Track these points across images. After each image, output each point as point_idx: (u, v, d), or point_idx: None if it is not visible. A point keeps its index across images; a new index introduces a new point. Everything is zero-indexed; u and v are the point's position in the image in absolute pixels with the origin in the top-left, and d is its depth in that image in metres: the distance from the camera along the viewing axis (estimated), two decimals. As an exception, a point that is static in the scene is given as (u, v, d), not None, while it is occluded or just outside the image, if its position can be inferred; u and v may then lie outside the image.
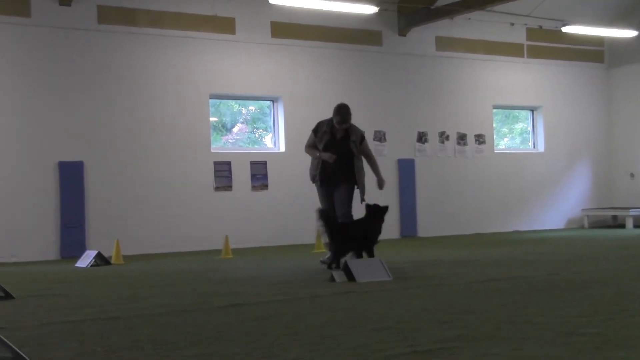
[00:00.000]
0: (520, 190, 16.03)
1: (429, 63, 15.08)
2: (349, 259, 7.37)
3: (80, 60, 11.96)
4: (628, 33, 15.82)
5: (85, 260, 9.87)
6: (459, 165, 15.32)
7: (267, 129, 14.06)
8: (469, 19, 14.89)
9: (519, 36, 16.02)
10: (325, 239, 8.82)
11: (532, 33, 16.10)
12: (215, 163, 12.92)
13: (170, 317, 5.12)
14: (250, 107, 14.15)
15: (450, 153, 15.24)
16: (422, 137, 14.95)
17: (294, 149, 12.95)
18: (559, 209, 16.51)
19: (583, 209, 16.74)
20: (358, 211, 8.52)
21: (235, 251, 11.35)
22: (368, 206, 8.24)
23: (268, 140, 14.01)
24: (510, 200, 15.88)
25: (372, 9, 13.04)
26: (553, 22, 15.63)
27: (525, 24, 15.78)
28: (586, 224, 16.54)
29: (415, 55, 14.91)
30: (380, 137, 14.45)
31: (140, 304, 5.89)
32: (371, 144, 14.22)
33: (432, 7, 14.24)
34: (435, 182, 14.98)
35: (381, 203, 8.38)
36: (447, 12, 14.06)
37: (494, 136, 15.94)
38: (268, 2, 12.22)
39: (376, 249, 8.05)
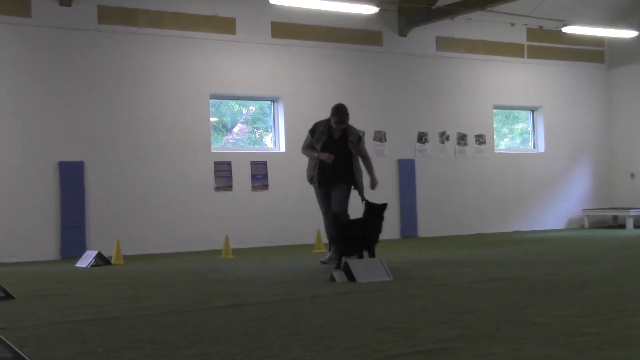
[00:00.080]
0: (520, 190, 16.03)
1: (429, 63, 15.09)
2: (349, 259, 7.36)
3: (80, 61, 11.97)
4: (628, 33, 15.82)
5: (86, 260, 9.87)
6: (459, 166, 15.32)
7: (267, 129, 14.07)
8: (470, 19, 14.90)
9: (519, 36, 16.03)
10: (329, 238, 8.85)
11: (532, 33, 16.11)
12: (216, 163, 12.93)
13: (170, 317, 5.12)
14: (251, 107, 14.15)
15: (450, 153, 15.24)
16: (422, 137, 14.95)
17: (294, 149, 12.92)
18: (559, 209, 16.51)
19: (583, 209, 16.74)
20: (358, 211, 8.50)
21: (236, 251, 11.35)
22: (367, 204, 8.21)
23: (268, 141, 14.02)
24: (511, 200, 15.88)
25: (372, 9, 13.05)
26: (553, 23, 15.63)
27: (526, 24, 15.79)
28: (586, 224, 16.54)
29: (415, 55, 14.91)
30: (380, 137, 14.45)
31: (141, 304, 5.89)
32: (371, 144, 14.30)
33: (433, 7, 14.24)
34: (436, 182, 14.99)
35: (376, 201, 8.33)
36: (448, 12, 14.06)
37: (494, 136, 15.95)
38: (268, 2, 12.22)
39: (376, 249, 8.03)
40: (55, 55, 11.79)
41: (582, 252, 10.09)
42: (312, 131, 8.95)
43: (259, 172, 13.27)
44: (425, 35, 14.97)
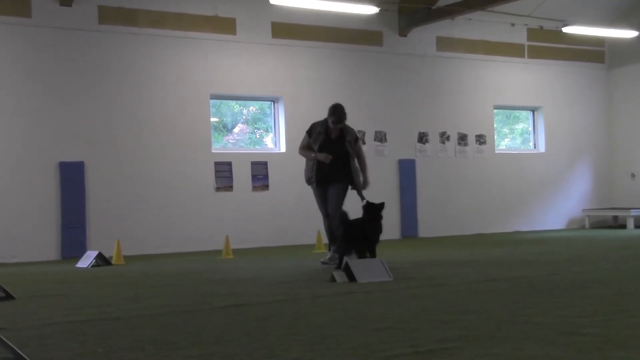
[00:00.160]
0: (520, 190, 16.03)
1: (429, 63, 15.09)
2: (350, 259, 7.36)
3: (81, 61, 11.97)
4: (628, 33, 15.83)
5: (86, 260, 9.87)
6: (460, 166, 15.33)
7: (267, 130, 14.07)
8: (470, 19, 14.90)
9: (519, 36, 16.03)
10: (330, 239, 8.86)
11: (532, 33, 16.11)
12: (216, 163, 12.93)
13: (171, 318, 5.12)
14: (251, 108, 14.16)
15: (450, 153, 15.24)
16: (422, 138, 14.95)
17: (294, 149, 12.84)
18: (559, 210, 16.51)
19: (584, 210, 16.74)
20: (357, 211, 8.49)
21: (236, 251, 11.36)
22: (368, 203, 8.19)
23: (269, 141, 14.02)
24: (511, 200, 15.89)
25: (372, 9, 13.05)
26: (554, 23, 15.64)
27: (526, 24, 15.79)
28: (587, 225, 16.54)
29: (415, 55, 14.92)
30: (380, 137, 14.46)
31: (141, 304, 5.89)
32: (372, 144, 14.32)
33: (433, 8, 14.24)
34: (436, 183, 14.99)
35: (379, 201, 8.30)
36: (448, 12, 14.06)
37: (495, 136, 15.95)
38: (269, 2, 12.22)
39: (377, 249, 8.03)
40: (55, 56, 11.79)
41: (583, 253, 10.09)
42: (310, 132, 8.97)
43: (260, 173, 13.28)
44: (425, 35, 14.97)
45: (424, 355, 3.63)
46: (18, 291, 6.55)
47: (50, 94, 11.74)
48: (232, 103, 13.94)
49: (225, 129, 13.92)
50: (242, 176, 13.12)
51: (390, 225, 13.65)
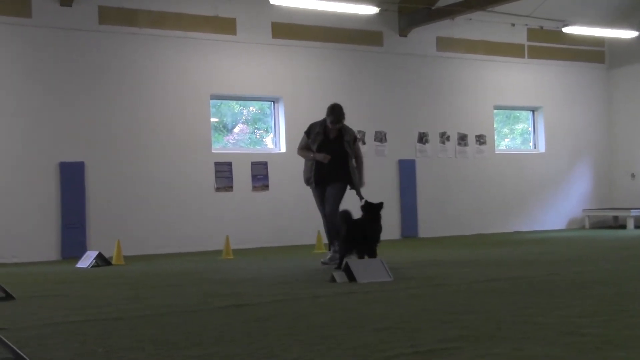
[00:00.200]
0: (521, 190, 16.03)
1: (429, 63, 15.09)
2: (350, 259, 7.35)
3: (81, 61, 11.97)
4: (628, 33, 15.83)
5: (86, 260, 9.87)
6: (460, 166, 15.33)
7: (267, 130, 14.07)
8: (470, 19, 14.90)
9: (519, 36, 16.03)
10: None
11: (532, 33, 16.11)
12: (216, 163, 12.93)
13: (171, 318, 5.12)
14: (251, 108, 14.16)
15: (451, 153, 15.24)
16: (422, 138, 14.95)
17: (294, 149, 12.86)
18: (559, 210, 16.51)
19: (584, 210, 16.74)
20: (356, 211, 8.49)
21: (236, 252, 11.36)
22: (367, 203, 8.17)
23: (269, 141, 14.02)
24: (511, 200, 15.89)
25: (372, 10, 13.06)
26: (554, 23, 15.64)
27: (526, 25, 15.79)
28: (587, 225, 16.54)
29: (416, 55, 14.92)
30: (381, 137, 14.46)
31: (141, 304, 5.89)
32: (372, 144, 14.33)
33: (433, 8, 14.25)
34: (436, 183, 14.99)
35: (379, 202, 8.29)
36: (448, 12, 14.06)
37: (495, 137, 15.95)
38: (269, 2, 12.23)
39: (377, 250, 8.02)
40: (55, 56, 11.80)
41: (583, 253, 10.09)
42: (308, 132, 8.98)
43: (260, 173, 13.28)
44: (425, 35, 14.98)
45: (424, 355, 3.62)
46: (18, 291, 6.55)
47: (50, 94, 11.75)
48: (232, 103, 13.95)
49: (226, 129, 13.92)
50: (242, 176, 13.13)
51: (391, 226, 13.66)
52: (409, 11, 14.40)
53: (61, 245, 11.66)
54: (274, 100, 13.75)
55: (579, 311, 4.83)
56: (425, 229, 14.74)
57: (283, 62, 13.63)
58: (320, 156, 8.73)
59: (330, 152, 8.74)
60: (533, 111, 16.63)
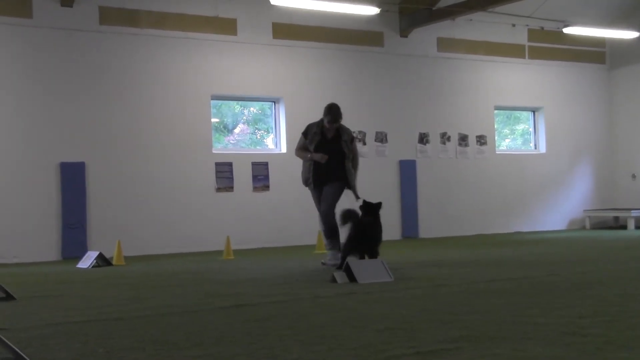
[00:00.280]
0: (521, 191, 16.03)
1: (430, 64, 15.09)
2: (350, 260, 7.35)
3: (81, 61, 11.98)
4: (629, 34, 15.82)
5: (87, 261, 9.88)
6: (461, 166, 15.33)
7: (268, 130, 14.07)
8: (471, 20, 14.90)
9: (520, 37, 16.03)
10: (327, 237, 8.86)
11: (533, 34, 16.11)
12: (217, 164, 12.93)
13: (172, 318, 5.12)
14: (252, 108, 14.16)
15: (451, 154, 15.24)
16: (423, 138, 14.95)
17: (295, 150, 12.95)
18: (560, 210, 16.51)
19: (584, 210, 16.74)
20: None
21: (237, 252, 11.36)
22: (365, 204, 8.16)
23: (269, 141, 14.02)
24: (512, 201, 15.89)
25: (373, 10, 13.06)
26: (554, 23, 15.64)
27: (527, 25, 15.79)
28: (588, 225, 16.54)
29: (416, 56, 14.92)
30: (381, 138, 14.46)
31: (142, 304, 5.89)
32: (372, 144, 14.34)
33: (434, 8, 14.25)
34: (437, 183, 14.99)
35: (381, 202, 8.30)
36: (449, 13, 14.07)
37: (496, 137, 15.95)
38: (269, 3, 12.23)
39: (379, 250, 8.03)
40: (56, 56, 11.80)
41: (584, 253, 10.08)
42: (305, 133, 8.99)
43: (260, 173, 13.28)
44: (426, 36, 14.98)
45: (425, 355, 3.62)
46: (19, 292, 6.55)
47: (51, 94, 11.75)
48: (233, 103, 13.95)
49: (226, 129, 13.92)
50: (242, 177, 13.13)
51: (391, 226, 13.67)
52: (409, 12, 14.41)
53: (62, 246, 11.67)
54: (275, 101, 13.75)
55: (579, 312, 4.83)
56: (426, 230, 14.74)
57: (284, 62, 13.63)
58: (318, 156, 8.74)
59: (328, 152, 8.74)
60: (534, 112, 16.63)
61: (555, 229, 16.27)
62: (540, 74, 16.44)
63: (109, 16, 12.19)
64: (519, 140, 16.94)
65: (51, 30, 11.76)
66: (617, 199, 17.15)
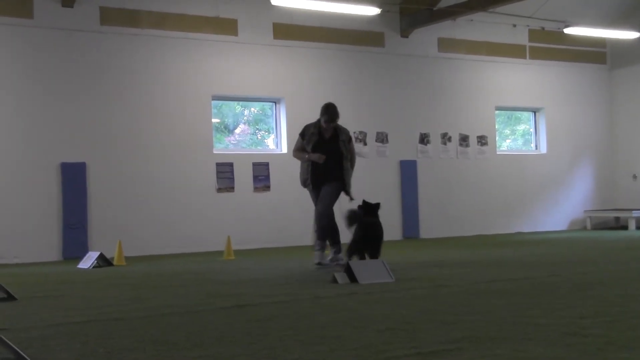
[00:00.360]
0: (522, 191, 16.02)
1: (431, 64, 15.09)
2: (351, 260, 7.36)
3: (82, 61, 11.98)
4: (630, 34, 15.82)
5: (88, 261, 9.87)
6: (461, 167, 15.32)
7: (269, 130, 14.07)
8: (471, 20, 14.90)
9: (521, 37, 16.03)
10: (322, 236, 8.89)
11: (534, 34, 16.11)
12: (218, 164, 12.93)
13: (172, 318, 5.12)
14: (252, 108, 14.16)
15: (452, 154, 15.23)
16: (424, 139, 14.95)
17: (292, 151, 12.95)
18: (561, 211, 16.50)
19: (585, 211, 16.73)
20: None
21: (238, 252, 11.36)
22: (365, 203, 8.16)
23: (270, 142, 14.02)
24: (513, 201, 15.88)
25: (374, 10, 13.06)
26: (555, 24, 15.64)
27: (528, 26, 15.79)
28: (589, 226, 16.53)
29: (417, 56, 14.92)
30: (382, 138, 14.46)
31: (143, 305, 5.89)
32: (373, 145, 14.34)
33: (435, 9, 14.24)
34: (438, 184, 14.98)
35: (380, 202, 8.32)
36: (450, 13, 14.06)
37: (496, 137, 15.94)
38: (270, 3, 12.23)
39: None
40: (57, 56, 11.80)
41: (585, 254, 10.08)
42: (302, 134, 8.99)
43: (261, 174, 13.28)
44: (427, 36, 14.97)
45: (426, 356, 3.62)
46: (20, 292, 6.55)
47: (52, 94, 11.75)
48: (234, 104, 13.94)
49: (227, 129, 13.92)
50: (243, 177, 13.13)
51: (392, 226, 13.67)
52: (410, 12, 14.40)
53: (62, 246, 11.67)
54: (276, 101, 13.75)
55: (580, 312, 4.83)
56: (427, 230, 14.74)
57: (284, 62, 13.63)
58: (315, 156, 8.73)
59: (326, 152, 8.74)
60: (534, 112, 16.63)
61: (556, 229, 16.26)
62: (541, 74, 16.43)
63: (110, 16, 12.19)
64: (519, 141, 16.94)
65: (52, 30, 11.77)
66: (617, 199, 17.15)
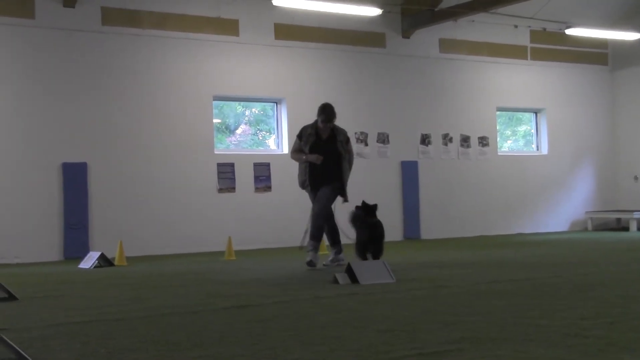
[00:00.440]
0: (523, 192, 16.02)
1: (432, 65, 15.08)
2: (352, 261, 7.37)
3: (84, 62, 11.98)
4: (632, 35, 15.80)
5: (89, 261, 9.88)
6: (462, 168, 15.31)
7: (270, 131, 14.07)
8: (473, 21, 14.89)
9: (522, 38, 16.02)
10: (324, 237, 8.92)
11: (535, 35, 16.10)
12: (219, 165, 12.93)
13: (173, 318, 5.12)
14: (254, 109, 14.16)
15: (453, 155, 15.23)
16: (425, 139, 14.94)
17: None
18: (562, 212, 16.49)
19: (587, 212, 16.72)
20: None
21: (239, 253, 11.36)
22: (365, 204, 8.19)
23: (271, 142, 14.02)
24: (514, 202, 15.87)
25: (375, 11, 13.07)
26: (556, 25, 15.63)
27: (529, 26, 15.78)
28: (590, 227, 16.52)
29: (418, 57, 14.91)
30: (383, 139, 14.45)
31: (144, 305, 5.89)
32: (374, 145, 14.34)
33: (436, 9, 14.24)
34: (439, 184, 14.98)
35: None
36: (451, 14, 14.06)
37: (498, 138, 15.94)
38: (271, 3, 12.24)
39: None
40: (58, 57, 11.80)
41: (586, 255, 10.07)
42: (300, 135, 8.98)
43: (262, 174, 13.28)
44: (428, 37, 14.97)
45: (427, 357, 3.62)
46: (21, 292, 6.56)
47: (53, 94, 11.75)
48: (235, 104, 13.94)
49: (228, 130, 13.92)
50: (244, 177, 13.12)
51: (393, 227, 13.66)
52: (411, 13, 14.40)
53: (63, 246, 11.67)
54: (277, 102, 13.75)
55: (581, 313, 4.82)
56: (428, 231, 14.73)
57: (285, 63, 13.63)
58: (313, 157, 8.72)
59: (323, 152, 8.72)
60: (536, 113, 16.62)
61: (557, 230, 16.25)
62: (542, 75, 16.43)
63: (111, 17, 12.19)
64: (521, 142, 16.93)
65: (53, 30, 11.77)
66: (619, 200, 17.14)
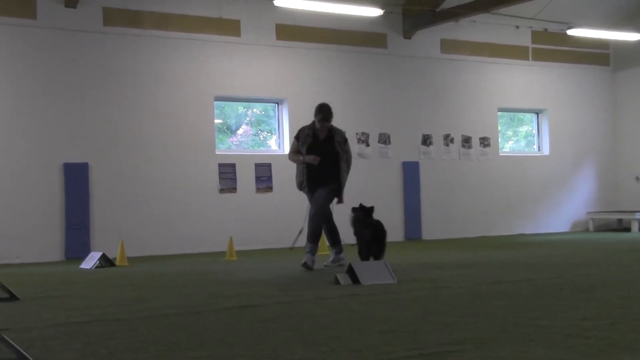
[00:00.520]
0: (525, 193, 16.01)
1: (433, 65, 15.08)
2: (353, 261, 7.36)
3: (85, 62, 11.99)
4: (633, 36, 15.79)
5: (90, 261, 9.88)
6: (464, 168, 15.31)
7: (271, 131, 14.07)
8: (474, 21, 14.89)
9: (524, 39, 16.01)
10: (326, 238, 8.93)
11: (537, 36, 16.09)
12: (220, 165, 12.94)
13: (174, 319, 5.12)
14: (255, 109, 14.16)
15: (454, 156, 15.22)
16: (426, 140, 14.94)
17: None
18: (564, 212, 16.48)
19: (588, 212, 16.71)
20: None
21: (240, 253, 11.36)
22: (362, 206, 8.19)
23: (273, 143, 14.02)
24: (515, 203, 15.87)
25: (377, 12, 13.07)
26: (558, 25, 15.62)
27: (530, 27, 15.78)
28: (591, 227, 16.51)
29: (420, 57, 14.91)
30: (384, 139, 14.45)
31: (145, 305, 5.89)
32: (375, 146, 14.33)
33: (437, 10, 14.24)
34: (440, 185, 14.97)
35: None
36: (452, 14, 14.06)
37: (499, 139, 15.93)
38: (273, 4, 12.25)
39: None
40: (60, 57, 11.81)
41: (587, 255, 10.07)
42: (297, 136, 8.98)
43: (263, 174, 13.28)
44: (429, 37, 14.97)
45: (428, 357, 3.62)
46: (22, 292, 6.56)
47: (54, 95, 11.76)
48: (236, 105, 13.95)
49: (229, 130, 13.92)
50: (245, 178, 13.13)
51: (394, 228, 13.64)
52: (413, 13, 14.40)
53: (65, 246, 11.67)
54: (278, 102, 13.75)
55: (583, 314, 4.82)
56: (429, 231, 14.73)
57: (287, 63, 13.63)
58: (310, 158, 8.71)
59: (320, 153, 8.70)
60: (537, 113, 16.61)
61: (559, 231, 16.24)
62: (543, 75, 16.42)
63: (113, 17, 12.20)
64: (522, 142, 16.92)
65: (55, 31, 11.78)
66: (620, 201, 17.13)
